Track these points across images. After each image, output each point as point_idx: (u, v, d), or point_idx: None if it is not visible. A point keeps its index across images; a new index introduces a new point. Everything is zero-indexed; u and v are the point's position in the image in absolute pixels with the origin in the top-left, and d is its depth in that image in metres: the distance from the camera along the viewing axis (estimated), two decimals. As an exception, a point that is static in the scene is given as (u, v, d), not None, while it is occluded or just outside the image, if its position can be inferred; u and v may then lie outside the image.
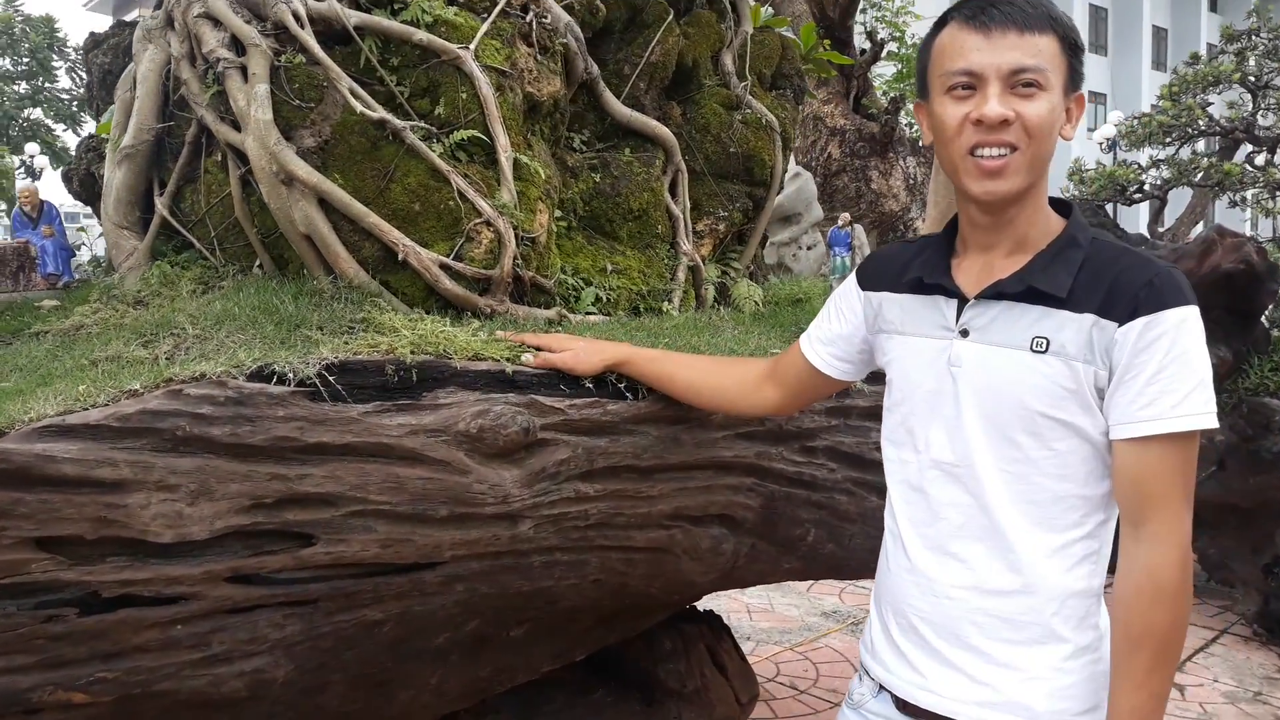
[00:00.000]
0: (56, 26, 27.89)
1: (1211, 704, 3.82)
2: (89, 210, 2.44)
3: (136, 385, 1.37)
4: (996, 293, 1.31)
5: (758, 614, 4.69)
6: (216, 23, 1.88)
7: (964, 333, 1.34)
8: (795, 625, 4.57)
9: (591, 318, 2.06)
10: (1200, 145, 14.61)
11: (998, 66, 1.25)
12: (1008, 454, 1.31)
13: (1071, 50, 1.28)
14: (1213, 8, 39.26)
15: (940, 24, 1.32)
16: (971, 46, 1.26)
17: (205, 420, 1.35)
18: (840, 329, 1.57)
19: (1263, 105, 13.25)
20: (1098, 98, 35.52)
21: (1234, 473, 4.32)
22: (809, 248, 9.34)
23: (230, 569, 1.39)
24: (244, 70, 1.84)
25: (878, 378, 1.55)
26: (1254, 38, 13.12)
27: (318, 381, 1.45)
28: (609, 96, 2.29)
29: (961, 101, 1.27)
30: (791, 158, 2.83)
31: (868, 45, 11.89)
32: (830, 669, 4.04)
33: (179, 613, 1.37)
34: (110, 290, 1.92)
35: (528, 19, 2.02)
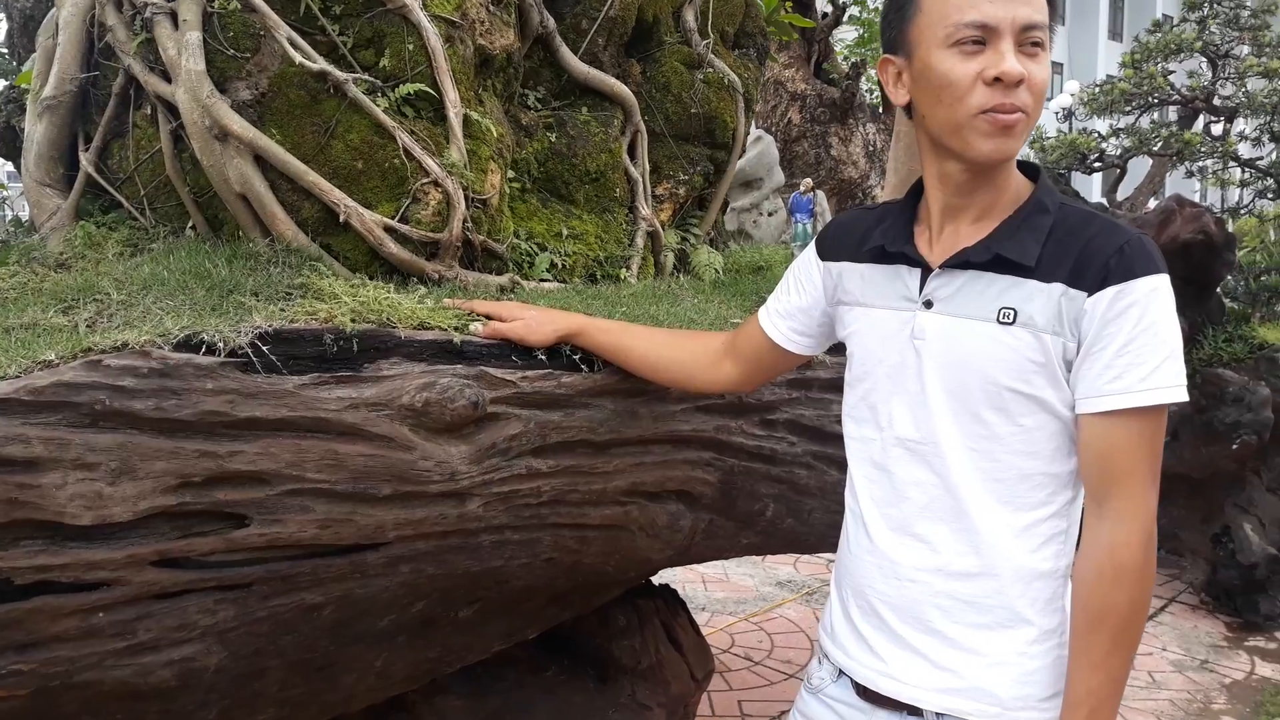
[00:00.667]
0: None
1: (1160, 672, 3.87)
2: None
3: (52, 355, 1.27)
4: (962, 261, 1.26)
5: (713, 584, 4.68)
6: (144, -36, 1.75)
7: (928, 304, 1.29)
8: (750, 595, 4.57)
9: (546, 285, 1.98)
10: (1156, 116, 14.72)
11: (1013, 20, 1.18)
12: (973, 430, 1.26)
13: (1054, 11, 1.23)
14: (1171, -22, 39.51)
15: None
16: None
17: (127, 393, 1.26)
18: (799, 301, 1.51)
19: (1222, 75, 13.35)
20: (1055, 67, 35.67)
21: (1186, 443, 4.36)
22: (770, 214, 9.27)
23: (156, 552, 1.30)
24: (174, 16, 1.72)
25: (840, 348, 1.49)
26: (1215, 6, 13.19)
27: (250, 351, 1.35)
28: (566, 52, 2.19)
29: (971, 57, 1.19)
30: (753, 121, 2.76)
31: (829, 9, 11.78)
32: (785, 640, 4.04)
33: (101, 599, 1.27)
34: (30, 252, 1.79)
35: (479, -32, 1.91)
